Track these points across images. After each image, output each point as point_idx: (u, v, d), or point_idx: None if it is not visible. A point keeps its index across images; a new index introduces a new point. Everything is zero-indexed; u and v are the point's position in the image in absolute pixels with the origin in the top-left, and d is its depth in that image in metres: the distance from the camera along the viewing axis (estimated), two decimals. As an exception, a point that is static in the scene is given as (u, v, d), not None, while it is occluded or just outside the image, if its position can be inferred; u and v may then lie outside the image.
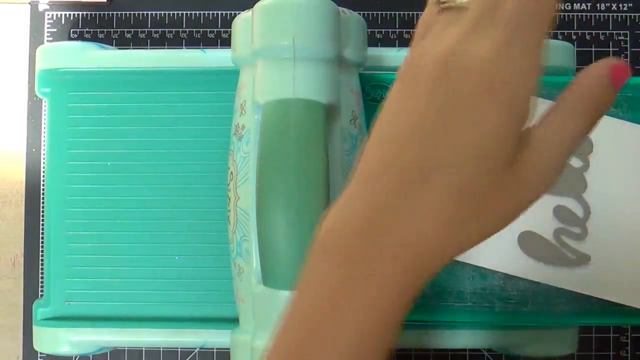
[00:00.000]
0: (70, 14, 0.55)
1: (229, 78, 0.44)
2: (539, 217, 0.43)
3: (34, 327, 0.47)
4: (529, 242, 0.43)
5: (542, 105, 0.26)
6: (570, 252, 0.43)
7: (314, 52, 0.38)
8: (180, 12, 0.56)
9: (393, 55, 0.47)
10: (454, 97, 0.26)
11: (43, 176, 0.54)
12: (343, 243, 0.26)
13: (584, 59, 0.55)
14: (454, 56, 0.26)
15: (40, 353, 0.53)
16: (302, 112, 0.38)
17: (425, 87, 0.26)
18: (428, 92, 0.26)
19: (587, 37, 0.55)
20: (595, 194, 0.43)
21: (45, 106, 0.53)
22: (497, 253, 0.42)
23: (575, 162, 0.43)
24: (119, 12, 0.55)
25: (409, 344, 0.46)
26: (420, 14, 0.29)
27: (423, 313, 0.44)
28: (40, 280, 0.53)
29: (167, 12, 0.56)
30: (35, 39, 0.55)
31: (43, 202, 0.53)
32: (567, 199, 0.43)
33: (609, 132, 0.43)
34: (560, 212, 0.43)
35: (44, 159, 0.54)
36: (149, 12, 0.56)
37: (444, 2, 0.28)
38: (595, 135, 0.43)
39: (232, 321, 0.43)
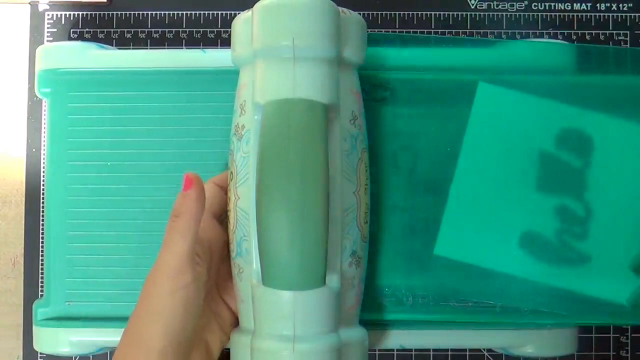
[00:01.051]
0: (70, 14, 0.55)
1: (229, 78, 0.44)
2: (540, 217, 0.43)
3: (34, 327, 0.47)
4: (530, 241, 0.43)
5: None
6: (571, 251, 0.43)
7: (314, 52, 0.38)
8: (180, 12, 0.56)
9: (393, 55, 0.47)
10: None
11: (43, 176, 0.54)
12: None
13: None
14: None
15: (40, 353, 0.53)
16: (302, 112, 0.38)
17: None
18: None
19: (587, 37, 0.55)
20: (597, 193, 0.43)
21: (45, 106, 0.53)
22: (498, 253, 0.42)
23: (576, 162, 0.43)
24: (119, 12, 0.55)
25: (409, 343, 0.46)
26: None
27: (424, 313, 0.44)
28: (40, 280, 0.53)
29: (167, 12, 0.56)
30: (35, 39, 0.55)
31: (43, 202, 0.53)
32: (568, 199, 0.43)
33: (610, 131, 0.43)
34: (561, 212, 0.43)
35: (44, 159, 0.54)
36: (149, 12, 0.56)
37: None
38: (596, 134, 0.43)
39: (232, 321, 0.43)
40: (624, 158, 0.43)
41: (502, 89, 0.43)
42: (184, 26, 0.56)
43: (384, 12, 0.56)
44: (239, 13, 0.41)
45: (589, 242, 0.43)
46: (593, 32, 0.55)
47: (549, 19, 0.55)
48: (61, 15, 0.56)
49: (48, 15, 0.55)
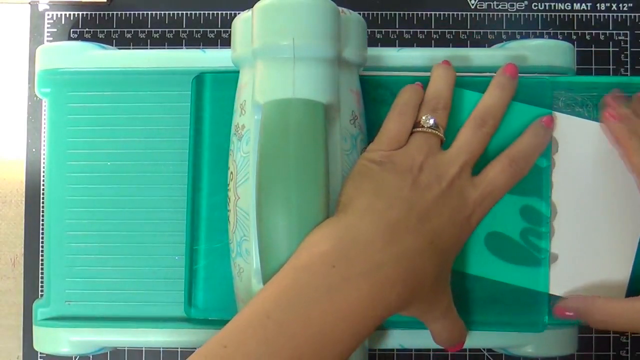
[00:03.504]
0: (70, 14, 0.56)
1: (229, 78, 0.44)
2: (505, 218, 0.43)
3: (34, 327, 0.47)
4: (495, 242, 0.43)
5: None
6: (538, 251, 0.43)
7: (314, 52, 0.38)
8: (180, 12, 0.56)
9: (393, 55, 0.47)
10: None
11: (43, 176, 0.54)
12: (322, 271, 0.35)
13: (584, 59, 0.55)
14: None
15: (40, 353, 0.53)
16: (302, 112, 0.38)
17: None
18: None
19: (587, 37, 0.55)
20: (562, 193, 0.43)
21: (45, 106, 0.53)
22: (464, 254, 0.42)
23: (540, 162, 0.43)
24: (119, 12, 0.55)
25: (409, 343, 0.46)
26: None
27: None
28: (40, 280, 0.54)
29: (167, 12, 0.56)
30: (35, 39, 0.55)
31: (43, 202, 0.53)
32: (533, 199, 0.43)
33: (574, 131, 0.43)
34: (526, 212, 0.43)
35: (44, 158, 0.54)
36: (149, 12, 0.56)
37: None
38: (560, 135, 0.43)
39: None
40: (588, 157, 0.43)
41: (472, 92, 0.43)
42: (184, 26, 0.56)
43: (384, 12, 0.56)
44: (239, 13, 0.41)
45: (555, 241, 0.43)
46: (593, 32, 0.55)
47: (549, 19, 0.55)
48: (61, 15, 0.56)
49: (48, 15, 0.55)
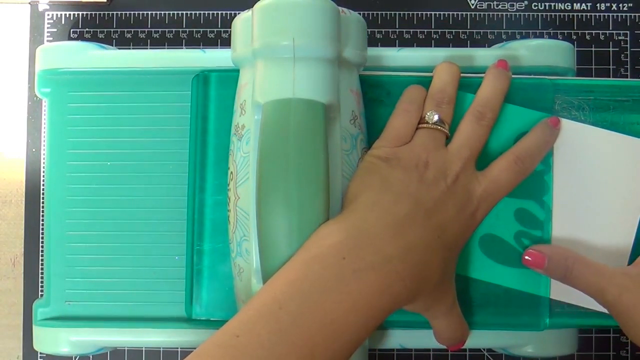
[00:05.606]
0: (70, 14, 0.56)
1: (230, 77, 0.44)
2: (500, 220, 0.43)
3: (34, 327, 0.47)
4: (490, 245, 0.43)
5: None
6: None
7: (314, 52, 0.38)
8: (180, 12, 0.56)
9: (393, 55, 0.47)
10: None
11: (43, 176, 0.54)
12: (332, 263, 0.35)
13: (584, 59, 0.55)
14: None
15: (40, 353, 0.53)
16: (302, 112, 0.38)
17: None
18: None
19: (587, 37, 0.55)
20: (557, 196, 0.43)
21: (45, 106, 0.53)
22: (459, 256, 0.42)
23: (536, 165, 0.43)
24: (119, 12, 0.55)
25: (409, 343, 0.46)
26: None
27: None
28: (40, 280, 0.54)
29: (167, 12, 0.56)
30: (35, 39, 0.55)
31: (43, 202, 0.53)
32: (528, 202, 0.43)
33: (570, 135, 0.43)
34: (521, 215, 0.43)
35: (44, 159, 0.54)
36: (149, 12, 0.56)
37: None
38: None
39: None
40: (583, 161, 0.43)
41: (465, 94, 0.43)
42: (184, 26, 0.56)
43: (384, 12, 0.56)
44: (239, 13, 0.41)
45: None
46: (593, 32, 0.55)
47: (549, 19, 0.55)
48: (61, 15, 0.56)
49: (48, 15, 0.55)
